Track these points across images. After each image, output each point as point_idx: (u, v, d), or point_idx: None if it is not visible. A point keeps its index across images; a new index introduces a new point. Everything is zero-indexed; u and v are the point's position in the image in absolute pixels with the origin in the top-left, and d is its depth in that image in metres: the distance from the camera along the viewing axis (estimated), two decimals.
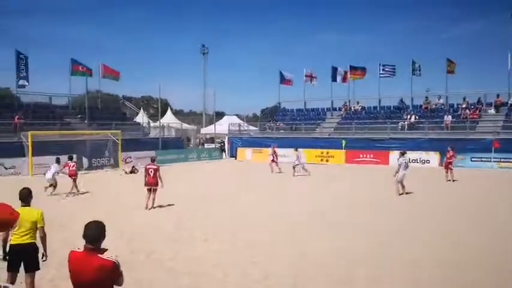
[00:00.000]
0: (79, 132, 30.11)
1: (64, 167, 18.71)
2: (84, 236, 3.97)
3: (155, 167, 14.43)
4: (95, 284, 3.85)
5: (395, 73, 38.30)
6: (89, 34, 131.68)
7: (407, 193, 16.87)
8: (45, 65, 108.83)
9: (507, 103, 32.36)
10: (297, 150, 24.91)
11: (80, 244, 4.11)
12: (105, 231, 4.07)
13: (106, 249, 3.98)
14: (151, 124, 41.43)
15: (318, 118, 40.90)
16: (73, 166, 18.92)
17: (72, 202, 15.70)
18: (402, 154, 17.58)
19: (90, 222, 4.07)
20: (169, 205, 14.74)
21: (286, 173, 24.26)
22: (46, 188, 17.59)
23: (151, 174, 14.22)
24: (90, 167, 27.17)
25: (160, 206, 14.46)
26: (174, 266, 8.20)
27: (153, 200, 14.28)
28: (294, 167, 24.29)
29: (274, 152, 26.84)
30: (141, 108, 49.84)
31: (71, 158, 19.51)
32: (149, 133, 38.32)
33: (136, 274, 7.70)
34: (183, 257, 8.78)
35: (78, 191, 18.29)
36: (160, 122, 38.20)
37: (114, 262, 3.90)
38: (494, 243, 9.78)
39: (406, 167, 16.98)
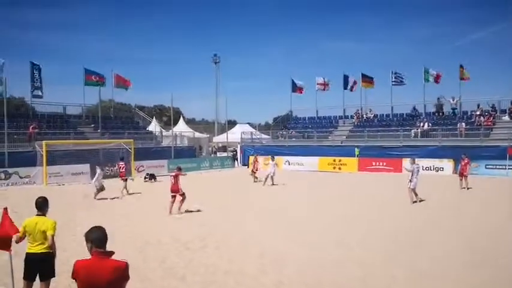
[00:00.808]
0: (92, 141, 30.34)
1: (118, 167, 20.94)
2: (91, 242, 3.93)
3: (173, 174, 15.07)
4: (110, 287, 3.82)
5: (405, 81, 38.35)
6: (102, 44, 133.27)
7: (421, 201, 16.73)
8: (59, 75, 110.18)
9: None
10: (273, 159, 24.28)
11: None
12: (106, 234, 4.05)
13: (113, 252, 3.96)
14: (164, 133, 41.59)
15: (330, 126, 40.81)
16: (122, 168, 20.47)
17: (88, 209, 15.77)
18: (413, 161, 17.46)
19: (92, 228, 4.07)
20: (181, 213, 14.76)
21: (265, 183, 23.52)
22: (96, 194, 18.33)
23: (173, 182, 14.81)
24: (104, 176, 27.26)
25: (187, 211, 14.95)
26: (186, 274, 8.20)
27: (178, 206, 14.76)
28: (269, 177, 23.21)
29: (256, 160, 26.64)
30: (154, 117, 50.13)
31: (122, 159, 21.44)
32: (162, 142, 38.49)
33: (148, 282, 7.73)
34: (195, 265, 8.77)
35: (127, 192, 19.96)
36: (172, 131, 38.37)
37: (126, 263, 3.92)
38: (505, 249, 9.65)
39: (418, 174, 16.87)
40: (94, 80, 34.27)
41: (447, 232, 11.75)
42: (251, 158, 28.63)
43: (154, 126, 43.18)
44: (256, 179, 25.27)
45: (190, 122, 65.48)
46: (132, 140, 29.55)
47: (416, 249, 9.90)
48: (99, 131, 33.72)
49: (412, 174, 16.63)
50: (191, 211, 15.15)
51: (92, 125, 34.75)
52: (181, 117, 53.47)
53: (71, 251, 9.62)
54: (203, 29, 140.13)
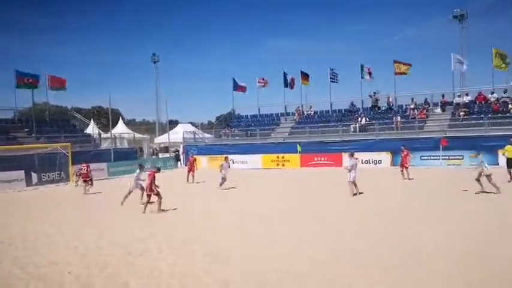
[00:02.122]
0: (26, 146, 28.99)
1: (81, 169, 22.30)
2: None
3: (149, 173, 15.19)
4: None
5: (339, 79, 39.66)
6: (35, 45, 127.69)
7: (360, 193, 17.19)
8: None
9: (452, 102, 33.68)
10: (226, 159, 22.06)
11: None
12: None
13: None
14: (103, 135, 40.47)
15: (272, 123, 41.24)
16: (85, 169, 21.83)
17: (29, 216, 15.05)
18: (352, 155, 17.96)
19: None
20: (122, 217, 14.40)
21: (206, 183, 23.41)
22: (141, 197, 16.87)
23: (148, 181, 14.95)
24: (40, 182, 26.22)
25: (163, 210, 15.11)
26: (129, 279, 7.96)
27: (158, 205, 14.99)
28: (223, 180, 21.01)
29: (195, 160, 26.43)
30: (92, 120, 48.70)
31: (85, 161, 22.56)
32: (100, 145, 37.41)
33: None
34: (137, 270, 8.54)
35: (87, 191, 21.33)
36: (111, 133, 37.38)
37: None
38: (441, 237, 10.10)
39: (356, 167, 17.38)
40: (26, 82, 32.81)
41: (388, 223, 12.11)
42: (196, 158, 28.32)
43: (92, 129, 41.96)
44: (191, 180, 24.92)
45: (130, 123, 64.19)
46: (69, 143, 28.53)
47: (360, 241, 10.12)
48: (33, 135, 32.38)
49: (352, 168, 17.10)
50: (165, 210, 15.18)
51: (26, 130, 33.28)
52: (120, 119, 52.25)
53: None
54: (141, 28, 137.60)
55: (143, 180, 16.27)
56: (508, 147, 20.82)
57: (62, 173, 27.65)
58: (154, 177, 14.86)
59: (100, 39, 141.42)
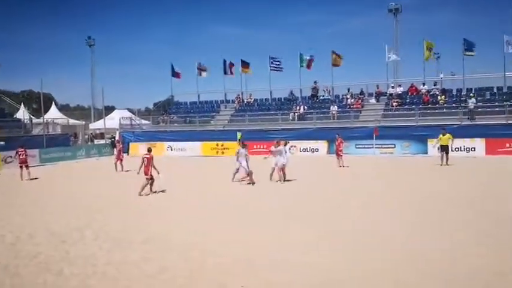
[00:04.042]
0: None
1: (18, 154, 21.29)
2: None
3: (148, 156, 15.38)
4: None
5: (282, 67, 39.64)
6: None
7: (286, 180, 17.58)
8: None
9: (386, 93, 34.94)
10: (245, 147, 18.20)
11: None
12: None
13: None
14: (34, 120, 38.64)
15: (212, 110, 41.01)
16: (23, 154, 21.21)
17: None
18: (278, 143, 18.26)
19: None
20: (59, 206, 13.88)
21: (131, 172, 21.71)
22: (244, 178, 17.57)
23: (146, 164, 15.24)
24: None
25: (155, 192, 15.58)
26: (62, 268, 7.69)
27: (150, 188, 15.48)
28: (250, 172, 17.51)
29: (122, 148, 25.16)
30: (22, 104, 46.33)
31: (21, 146, 21.73)
32: (32, 130, 35.73)
33: (18, 279, 7.16)
34: (72, 258, 8.27)
35: (28, 176, 20.70)
36: (43, 118, 35.78)
37: None
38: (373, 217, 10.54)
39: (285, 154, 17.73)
40: None
41: (314, 207, 12.45)
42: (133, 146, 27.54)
43: (22, 114, 39.94)
44: (119, 168, 23.16)
45: (64, 109, 61.82)
46: None
47: (293, 225, 10.33)
48: None
49: (280, 155, 17.53)
50: (156, 192, 15.61)
51: None
52: (53, 104, 50.10)
53: None
54: (76, 10, 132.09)
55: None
56: (441, 136, 22.36)
57: None
58: (152, 159, 15.32)
59: (30, 18, 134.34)
